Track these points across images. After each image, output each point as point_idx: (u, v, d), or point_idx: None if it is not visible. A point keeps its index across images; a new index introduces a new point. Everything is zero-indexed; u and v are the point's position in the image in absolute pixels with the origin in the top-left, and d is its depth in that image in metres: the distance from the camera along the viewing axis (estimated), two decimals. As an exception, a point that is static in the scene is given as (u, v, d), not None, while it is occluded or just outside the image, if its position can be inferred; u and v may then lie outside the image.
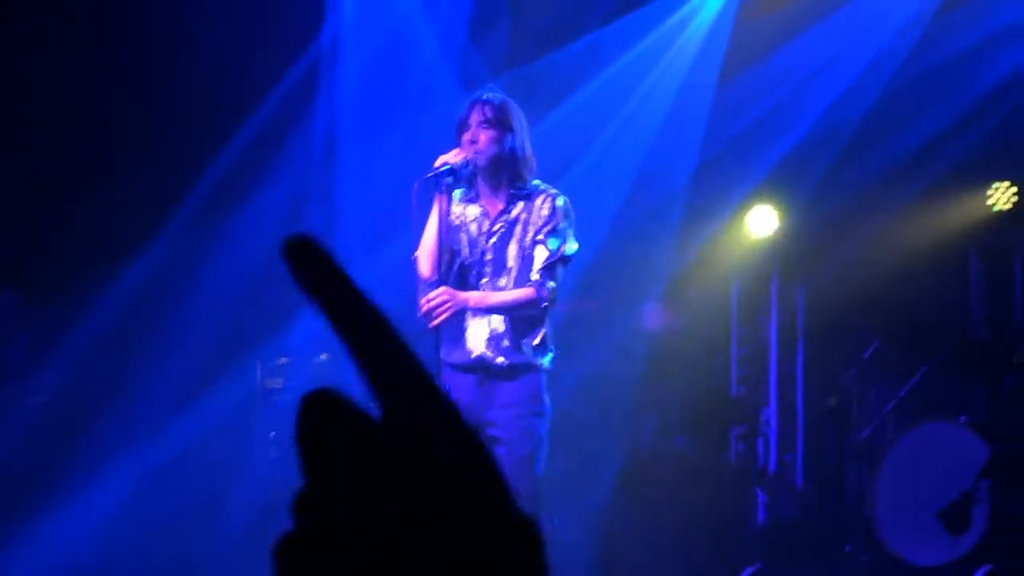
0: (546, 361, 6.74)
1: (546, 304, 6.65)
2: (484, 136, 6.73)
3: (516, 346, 6.66)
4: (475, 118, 6.74)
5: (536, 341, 6.71)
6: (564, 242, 6.72)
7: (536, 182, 6.91)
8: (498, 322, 6.69)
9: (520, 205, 6.80)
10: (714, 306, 11.63)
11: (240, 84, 10.10)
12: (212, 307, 10.13)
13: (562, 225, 6.72)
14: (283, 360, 10.09)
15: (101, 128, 10.18)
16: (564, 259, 6.75)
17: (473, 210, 6.92)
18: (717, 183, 11.22)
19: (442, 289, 6.61)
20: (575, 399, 9.20)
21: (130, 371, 9.91)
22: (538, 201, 6.78)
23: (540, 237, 6.68)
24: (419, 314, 6.62)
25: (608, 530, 9.50)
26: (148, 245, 10.16)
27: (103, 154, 10.15)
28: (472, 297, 6.63)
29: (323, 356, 10.08)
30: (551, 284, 6.65)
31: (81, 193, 10.09)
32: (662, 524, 9.60)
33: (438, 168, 6.70)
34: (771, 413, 11.74)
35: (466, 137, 6.76)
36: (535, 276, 6.65)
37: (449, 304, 6.54)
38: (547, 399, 6.69)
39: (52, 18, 10.05)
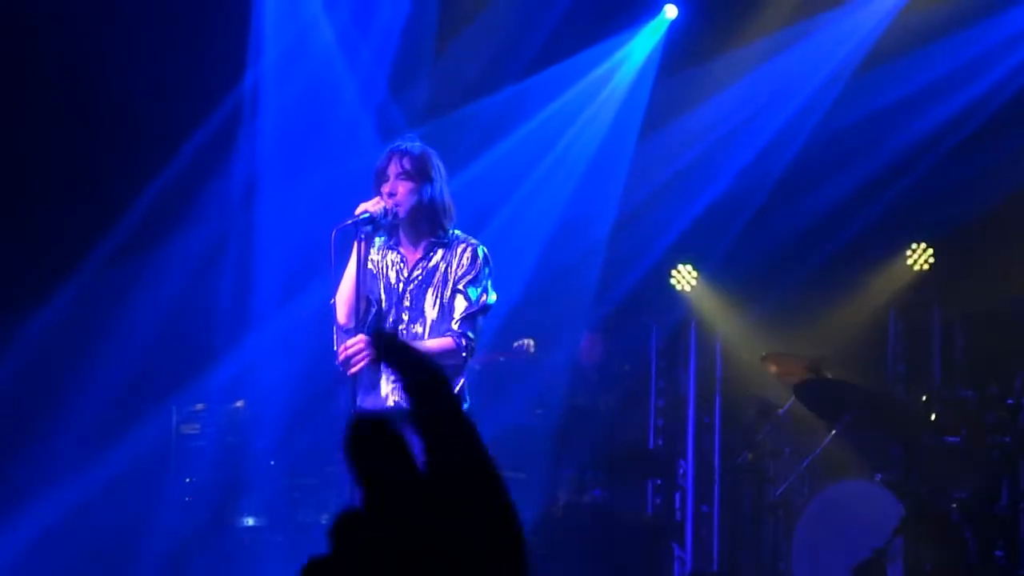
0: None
1: (465, 354, 6.61)
2: (402, 188, 6.70)
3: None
4: (393, 169, 6.72)
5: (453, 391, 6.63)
6: (484, 292, 6.69)
7: (456, 232, 6.88)
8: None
9: (439, 253, 6.78)
10: (633, 357, 11.64)
11: (161, 128, 10.04)
12: (128, 351, 10.01)
13: (482, 275, 6.70)
14: (199, 406, 10.05)
15: (17, 167, 10.09)
16: (484, 309, 6.72)
17: (392, 257, 6.88)
18: (637, 237, 11.24)
19: (359, 337, 6.55)
20: (490, 451, 9.11)
21: (44, 412, 9.81)
22: (458, 250, 6.75)
23: (460, 287, 6.65)
24: (337, 361, 6.56)
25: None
26: (63, 286, 10.05)
27: (18, 195, 10.07)
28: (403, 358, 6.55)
29: (239, 403, 10.14)
30: (470, 334, 6.62)
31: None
32: None
33: (357, 216, 6.65)
34: (688, 466, 11.76)
35: (385, 189, 6.73)
36: (455, 326, 6.62)
37: (366, 352, 6.48)
38: None
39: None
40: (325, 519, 9.35)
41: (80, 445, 9.73)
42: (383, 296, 6.84)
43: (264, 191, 10.56)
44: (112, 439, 9.75)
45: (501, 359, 9.95)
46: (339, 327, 6.71)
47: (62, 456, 9.76)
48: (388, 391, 6.68)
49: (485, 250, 6.78)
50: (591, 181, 11.09)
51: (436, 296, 6.70)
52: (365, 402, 6.68)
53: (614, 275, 11.33)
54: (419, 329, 6.73)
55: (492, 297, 6.72)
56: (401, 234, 6.86)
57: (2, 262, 9.89)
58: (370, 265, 6.83)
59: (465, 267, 6.68)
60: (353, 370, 6.48)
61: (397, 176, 6.70)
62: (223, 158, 10.43)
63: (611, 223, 11.20)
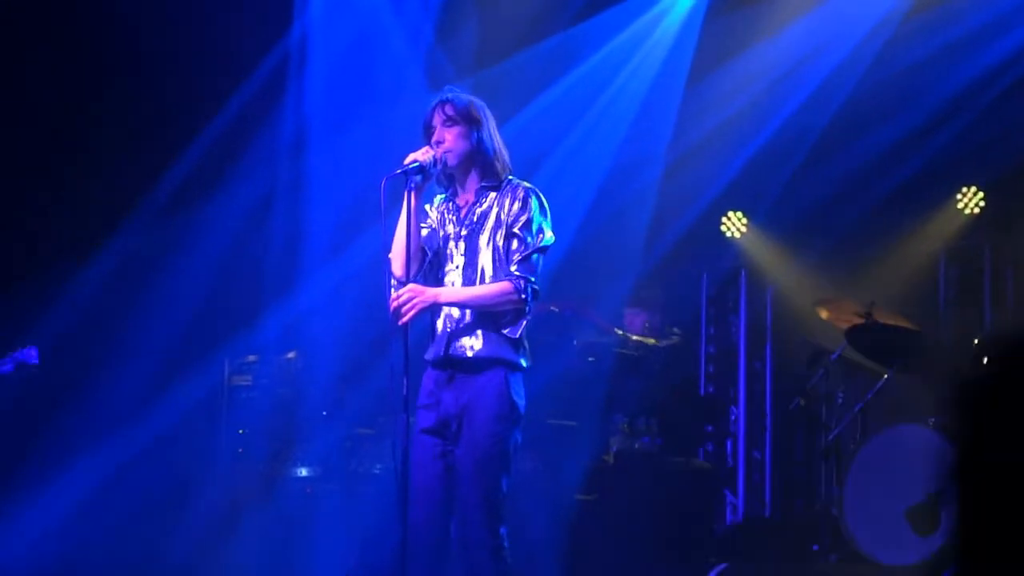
0: (521, 359, 6.55)
1: (525, 296, 6.52)
2: (450, 134, 6.56)
3: (486, 339, 6.44)
4: (438, 118, 6.58)
5: (508, 335, 6.49)
6: (540, 232, 6.58)
7: (510, 177, 6.80)
8: (468, 314, 6.50)
9: (491, 196, 6.60)
10: (684, 304, 11.56)
11: (209, 81, 10.01)
12: (180, 304, 10.03)
13: (536, 216, 6.58)
14: (251, 358, 10.06)
15: (68, 123, 10.08)
16: (542, 249, 6.58)
17: (447, 208, 6.75)
18: (686, 183, 11.15)
19: (409, 286, 6.49)
20: (543, 399, 9.10)
21: (96, 367, 9.80)
22: (510, 193, 6.64)
23: (515, 229, 6.55)
24: (389, 312, 6.51)
25: (576, 529, 9.40)
26: (114, 240, 10.06)
27: (70, 148, 10.06)
28: (443, 293, 6.45)
29: (291, 355, 10.10)
30: (531, 277, 6.51)
31: (45, 187, 10.03)
32: (630, 523, 9.51)
33: (407, 165, 6.52)
34: (740, 412, 11.69)
35: (434, 138, 6.60)
36: (513, 269, 6.50)
37: (416, 300, 6.40)
38: (519, 401, 6.45)
39: (24, 18, 9.97)
40: (378, 469, 9.44)
41: (133, 398, 9.76)
42: (441, 246, 6.70)
43: (313, 142, 10.50)
44: (164, 392, 9.78)
45: (553, 309, 9.90)
46: (395, 279, 6.61)
47: (115, 410, 9.79)
48: (442, 337, 6.53)
49: (538, 192, 6.67)
50: (641, 127, 10.96)
51: (489, 240, 6.55)
52: (427, 352, 6.62)
53: (664, 222, 11.25)
54: (475, 275, 6.66)
55: (549, 236, 6.60)
56: (456, 184, 6.78)
57: (53, 217, 9.93)
58: (429, 220, 6.76)
59: (518, 209, 6.54)
60: (403, 320, 6.36)
61: (443, 123, 6.56)
62: (271, 110, 10.39)
63: (661, 170, 11.09)
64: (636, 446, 10.05)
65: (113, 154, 10.11)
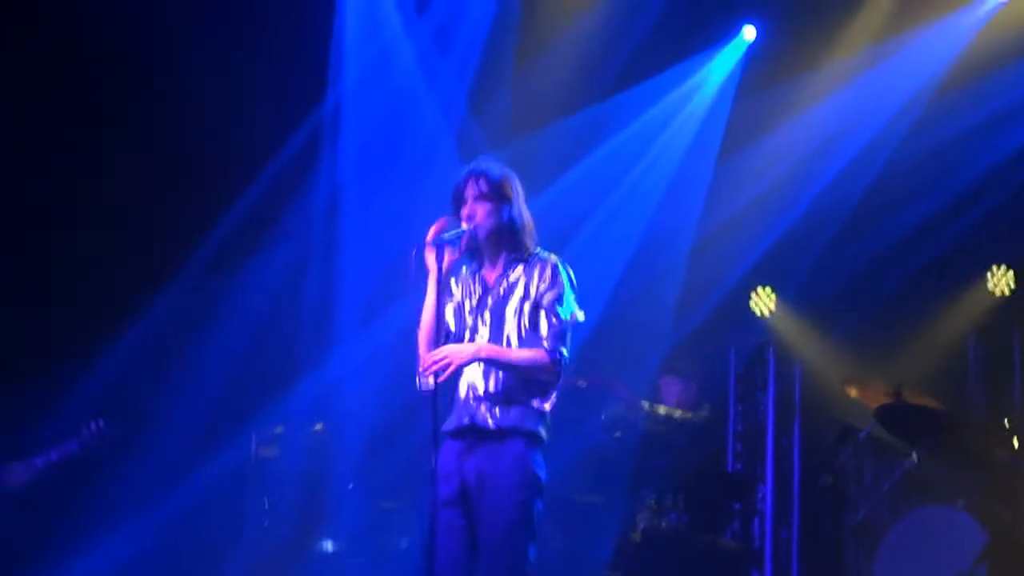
0: (542, 431, 6.48)
1: (558, 369, 6.46)
2: (481, 209, 6.55)
3: (511, 409, 6.39)
4: (471, 192, 6.56)
5: (536, 407, 6.43)
6: (572, 310, 6.56)
7: (537, 250, 6.75)
8: (493, 382, 6.43)
9: (519, 269, 6.57)
10: (712, 380, 11.48)
11: (244, 149, 10.04)
12: (211, 373, 9.99)
13: (566, 291, 6.53)
14: (278, 429, 10.02)
15: (108, 181, 10.06)
16: (573, 326, 6.58)
17: (473, 280, 6.71)
18: (715, 258, 11.11)
19: (447, 346, 6.42)
20: (569, 474, 9.05)
21: (125, 437, 9.58)
22: (538, 266, 6.58)
23: (545, 304, 6.48)
24: (418, 376, 6.43)
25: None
26: (146, 309, 10.03)
27: (105, 214, 10.05)
28: (484, 348, 6.42)
29: (318, 426, 10.04)
30: (563, 350, 6.46)
31: (76, 255, 9.99)
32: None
33: (436, 235, 6.51)
34: (767, 490, 11.58)
35: (464, 212, 6.59)
36: (546, 344, 6.46)
37: (448, 360, 6.34)
38: (540, 473, 6.39)
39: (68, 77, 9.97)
40: (405, 543, 9.38)
41: (163, 468, 9.69)
42: (464, 321, 6.65)
43: (345, 209, 10.49)
44: (194, 462, 9.71)
45: (580, 383, 9.84)
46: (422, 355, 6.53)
47: (146, 479, 9.72)
48: (465, 405, 6.48)
49: (567, 266, 6.63)
50: (670, 202, 10.98)
51: (516, 312, 6.51)
52: (447, 423, 6.58)
53: (693, 297, 11.19)
54: (501, 345, 6.58)
55: (580, 314, 6.57)
56: (483, 256, 6.75)
57: (81, 284, 9.85)
58: (454, 297, 6.70)
59: (548, 283, 6.48)
60: (442, 377, 6.29)
61: (475, 198, 6.55)
62: (305, 178, 10.41)
63: (690, 245, 11.08)
64: (663, 524, 9.98)
65: (148, 219, 10.09)
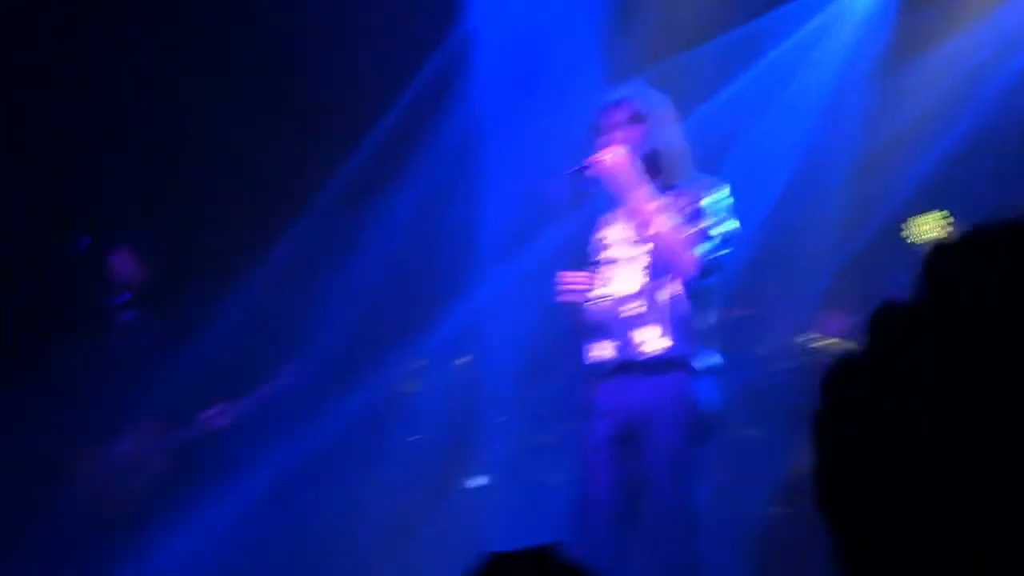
0: (704, 359, 6.28)
1: (702, 262, 6.19)
2: (630, 134, 6.43)
3: (666, 336, 6.24)
4: (617, 116, 6.46)
5: (691, 328, 6.28)
6: (723, 214, 6.30)
7: (695, 175, 6.53)
8: (646, 308, 6.27)
9: (670, 196, 6.41)
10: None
11: (377, 78, 9.83)
12: (346, 306, 9.86)
13: (723, 199, 6.34)
14: (422, 363, 10.01)
15: (233, 123, 9.97)
16: (722, 240, 6.32)
17: (619, 211, 6.57)
18: (878, 181, 10.64)
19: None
20: (730, 410, 8.80)
21: (260, 370, 9.60)
22: (690, 188, 6.40)
23: (694, 208, 6.31)
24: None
25: (767, 551, 9.04)
26: (281, 241, 9.94)
27: (232, 148, 9.95)
28: (640, 191, 6.20)
29: (463, 360, 10.01)
30: (707, 249, 6.21)
31: (209, 187, 9.94)
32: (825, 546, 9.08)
33: (581, 166, 6.39)
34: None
35: (614, 140, 6.43)
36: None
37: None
38: (708, 408, 6.26)
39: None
40: (559, 478, 9.18)
41: (298, 406, 9.60)
42: (609, 254, 6.52)
43: (484, 137, 10.30)
44: (332, 398, 9.60)
45: (738, 314, 9.44)
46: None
47: (279, 417, 9.61)
48: (616, 338, 6.38)
49: (723, 183, 6.43)
50: (827, 124, 10.53)
51: (664, 246, 6.26)
52: (593, 357, 6.42)
53: (855, 224, 10.68)
54: (649, 277, 6.37)
55: (733, 224, 6.31)
56: None
57: (217, 218, 9.85)
58: (603, 231, 6.55)
59: (696, 199, 6.34)
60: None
61: (621, 124, 6.42)
62: (440, 107, 10.24)
63: (851, 167, 10.59)
64: None
65: (282, 153, 10.02)
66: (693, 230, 6.21)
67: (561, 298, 6.26)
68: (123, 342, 8.77)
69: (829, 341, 9.89)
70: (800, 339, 9.88)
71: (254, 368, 9.53)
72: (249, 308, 9.69)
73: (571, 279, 6.31)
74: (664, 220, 6.19)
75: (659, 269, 6.30)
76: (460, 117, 10.27)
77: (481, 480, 9.74)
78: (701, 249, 6.19)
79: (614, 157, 6.28)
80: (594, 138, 6.48)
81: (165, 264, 9.11)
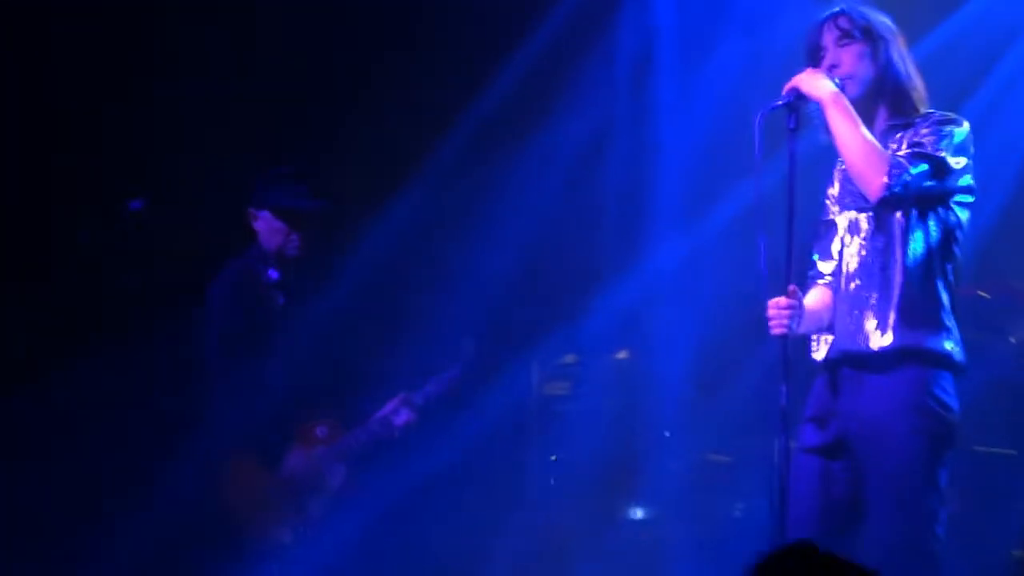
0: (948, 349, 6.00)
1: (891, 181, 5.88)
2: (848, 55, 6.16)
3: (896, 323, 6.00)
4: (830, 35, 6.21)
5: (923, 321, 5.99)
6: (951, 152, 5.97)
7: (929, 109, 6.17)
8: (872, 293, 6.07)
9: (898, 136, 6.10)
10: None
11: None
12: (477, 286, 9.81)
13: (948, 135, 5.98)
14: (569, 359, 9.91)
15: (351, 47, 10.10)
16: (946, 168, 5.97)
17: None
18: None
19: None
20: (971, 417, 8.45)
21: (370, 362, 9.55)
22: (920, 122, 6.08)
23: (916, 139, 5.98)
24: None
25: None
26: (398, 199, 9.95)
27: (350, 76, 10.07)
28: (837, 98, 5.99)
29: (622, 354, 9.96)
30: (917, 169, 5.89)
31: (309, 134, 9.95)
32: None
33: (788, 96, 6.09)
34: None
35: (825, 63, 6.17)
36: (900, 153, 5.96)
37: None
38: (946, 411, 5.97)
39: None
40: (740, 510, 9.20)
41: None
42: (831, 209, 6.33)
43: (661, 67, 10.21)
44: (455, 402, 9.38)
45: (982, 294, 9.29)
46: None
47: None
48: (839, 329, 6.20)
49: (963, 120, 6.10)
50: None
51: (901, 202, 6.00)
52: (816, 351, 6.23)
53: None
54: (884, 254, 6.10)
55: (962, 162, 5.99)
56: None
57: (329, 168, 9.73)
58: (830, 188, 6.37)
59: (927, 128, 6.03)
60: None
61: (838, 41, 6.16)
62: (603, 26, 10.16)
63: None
64: None
65: (399, 88, 10.05)
66: (909, 151, 5.99)
67: (773, 332, 6.04)
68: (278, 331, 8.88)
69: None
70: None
71: (363, 357, 9.50)
72: (355, 280, 9.65)
73: (778, 309, 6.04)
74: (853, 125, 6.01)
75: (885, 238, 6.12)
76: (628, 39, 10.17)
77: (642, 511, 9.66)
78: (910, 170, 5.93)
79: (828, 84, 6.07)
80: (806, 60, 6.22)
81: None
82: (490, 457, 9.56)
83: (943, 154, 5.97)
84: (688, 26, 10.19)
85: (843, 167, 6.28)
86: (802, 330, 6.09)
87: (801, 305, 6.00)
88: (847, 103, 5.99)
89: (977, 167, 6.14)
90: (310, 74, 10.12)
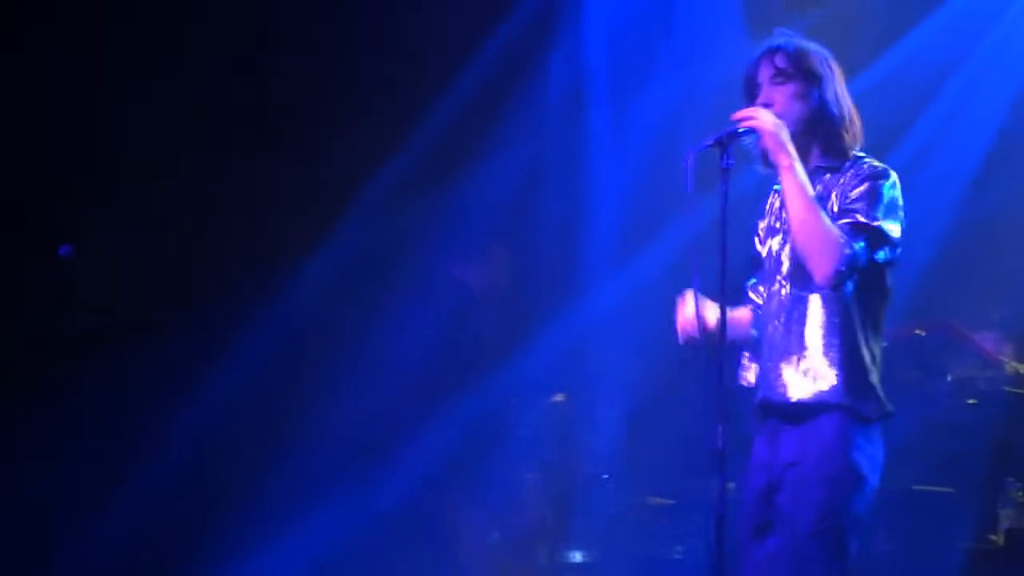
0: (868, 404, 5.98)
1: (840, 275, 5.86)
2: (781, 94, 6.14)
3: (816, 375, 6.02)
4: (765, 72, 6.19)
5: (848, 370, 5.98)
6: (884, 216, 5.94)
7: (859, 153, 6.18)
8: (793, 339, 6.05)
9: (827, 179, 6.11)
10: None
11: (456, 25, 9.96)
12: (413, 325, 9.83)
13: (882, 196, 5.97)
14: (508, 402, 9.93)
15: (282, 87, 10.19)
16: (880, 235, 5.95)
17: (773, 192, 6.36)
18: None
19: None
20: (904, 457, 8.14)
21: (308, 403, 9.72)
22: (852, 172, 6.07)
23: (849, 203, 5.96)
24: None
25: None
26: (331, 238, 10.03)
27: (278, 118, 10.11)
28: (796, 163, 5.94)
29: (559, 397, 10.03)
30: (858, 246, 5.85)
31: (248, 169, 10.09)
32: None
33: (722, 133, 5.99)
34: None
35: (759, 101, 6.16)
36: (842, 237, 5.91)
37: (757, 120, 5.95)
38: (862, 461, 5.94)
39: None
40: (680, 553, 9.21)
41: (348, 456, 9.64)
42: (769, 244, 6.30)
43: (594, 104, 10.28)
44: (390, 446, 9.57)
45: (918, 333, 9.42)
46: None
47: (332, 461, 9.66)
48: (758, 374, 6.20)
49: (891, 173, 6.06)
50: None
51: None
52: (759, 398, 6.18)
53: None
54: (787, 290, 6.13)
55: (894, 228, 5.97)
56: None
57: (257, 208, 10.02)
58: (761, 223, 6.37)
59: (858, 183, 6.00)
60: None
61: (772, 79, 6.15)
62: (536, 62, 10.22)
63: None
64: None
65: (331, 127, 10.11)
66: (846, 221, 5.94)
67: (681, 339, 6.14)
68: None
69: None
70: (1002, 364, 9.71)
71: (300, 398, 9.68)
72: (292, 319, 9.86)
73: (684, 312, 6.14)
74: (808, 206, 5.94)
75: (805, 277, 6.09)
76: (560, 74, 10.25)
77: (580, 555, 9.66)
78: (854, 247, 5.88)
79: (762, 122, 6.02)
80: (743, 97, 6.24)
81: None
82: (427, 497, 9.60)
83: (879, 224, 5.97)
84: (621, 61, 10.24)
85: (777, 199, 6.30)
86: (727, 339, 6.00)
87: (702, 315, 6.04)
88: (803, 174, 5.97)
89: (914, 203, 6.15)
90: (240, 112, 10.10)
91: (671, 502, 9.50)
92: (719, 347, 6.05)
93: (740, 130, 6.02)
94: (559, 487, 9.82)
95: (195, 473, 9.43)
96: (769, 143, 5.98)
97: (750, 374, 6.28)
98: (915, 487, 9.21)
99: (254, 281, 9.83)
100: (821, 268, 5.88)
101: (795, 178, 5.92)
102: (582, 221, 10.23)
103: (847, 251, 5.88)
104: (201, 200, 10.06)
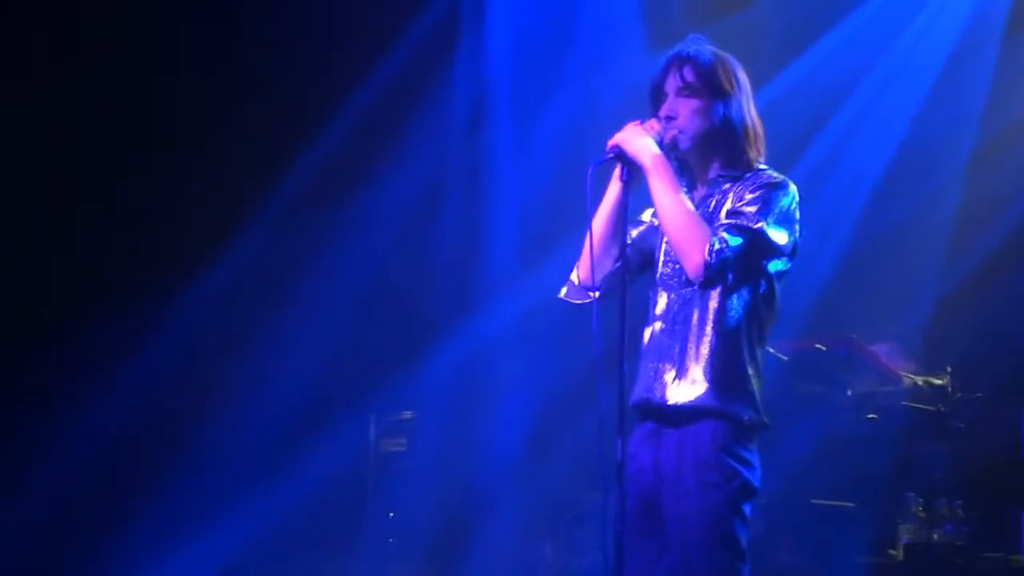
0: (745, 410, 5.98)
1: (710, 260, 5.80)
2: (685, 108, 6.07)
3: (695, 379, 5.99)
4: (672, 84, 6.09)
5: (727, 377, 5.96)
6: (772, 223, 5.91)
7: (761, 165, 6.11)
8: (674, 345, 6.00)
9: (726, 187, 6.06)
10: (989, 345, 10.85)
11: (356, 39, 9.98)
12: (314, 339, 9.90)
13: (775, 202, 5.93)
14: (406, 414, 10.03)
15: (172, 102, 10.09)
16: (764, 242, 5.92)
17: None
18: (1001, 180, 10.50)
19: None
20: (806, 471, 8.83)
21: (203, 416, 9.71)
22: (751, 182, 6.00)
23: (737, 208, 5.91)
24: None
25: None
26: (231, 249, 10.02)
27: (174, 131, 10.04)
28: (656, 161, 5.91)
29: (407, 415, 10.07)
30: (732, 243, 5.83)
31: (142, 182, 9.99)
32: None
33: (612, 151, 5.99)
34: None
35: (662, 111, 6.11)
36: (717, 232, 5.86)
37: (618, 144, 5.90)
38: (738, 464, 5.93)
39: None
40: (581, 565, 9.23)
41: (251, 467, 9.64)
42: (661, 257, 6.17)
43: (494, 118, 10.32)
44: (293, 459, 9.59)
45: (819, 347, 9.49)
46: (571, 287, 6.28)
47: (230, 475, 9.68)
48: (642, 378, 6.04)
49: (789, 183, 6.01)
50: (938, 102, 10.39)
51: (710, 239, 6.21)
52: (637, 398, 6.04)
53: (972, 228, 10.59)
54: (682, 290, 6.06)
55: (780, 236, 5.92)
56: (691, 173, 6.16)
57: (152, 220, 9.95)
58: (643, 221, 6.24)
59: (749, 193, 5.96)
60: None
61: (678, 92, 6.06)
62: (438, 74, 10.26)
63: (968, 156, 10.48)
64: (935, 536, 9.66)
65: (228, 140, 10.01)
66: (728, 222, 5.89)
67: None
68: None
69: (940, 381, 9.89)
70: (901, 379, 9.85)
71: (196, 411, 9.67)
72: (189, 329, 9.83)
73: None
74: (675, 200, 5.95)
75: (693, 291, 6.04)
76: (463, 86, 10.32)
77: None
78: (728, 243, 5.95)
79: (650, 147, 5.98)
80: (648, 103, 6.15)
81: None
82: (327, 511, 9.62)
83: (761, 225, 5.92)
84: (523, 77, 10.30)
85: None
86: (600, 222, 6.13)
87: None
88: (669, 170, 5.98)
89: (815, 216, 6.28)
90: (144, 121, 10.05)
91: (573, 513, 9.48)
92: (620, 363, 6.14)
93: (609, 156, 6.15)
94: (459, 501, 9.85)
95: (94, 476, 9.38)
96: (635, 156, 6.02)
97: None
98: (815, 501, 9.32)
99: (153, 286, 9.76)
100: (691, 259, 5.86)
101: (659, 178, 5.90)
102: (481, 235, 10.29)
103: (717, 245, 5.80)
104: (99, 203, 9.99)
